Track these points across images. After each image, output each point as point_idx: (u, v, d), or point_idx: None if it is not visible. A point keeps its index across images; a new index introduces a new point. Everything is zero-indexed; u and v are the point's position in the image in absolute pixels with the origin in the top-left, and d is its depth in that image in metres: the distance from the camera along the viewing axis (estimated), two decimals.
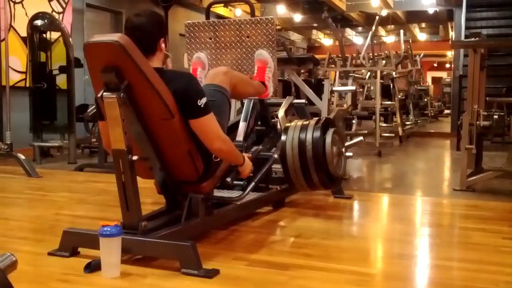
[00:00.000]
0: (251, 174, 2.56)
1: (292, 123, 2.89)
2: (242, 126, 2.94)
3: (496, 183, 4.14)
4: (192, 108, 2.12)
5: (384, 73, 7.92)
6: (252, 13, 3.13)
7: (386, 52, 9.01)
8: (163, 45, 2.21)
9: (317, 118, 2.90)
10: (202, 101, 2.13)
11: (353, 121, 6.72)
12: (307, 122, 2.85)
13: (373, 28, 9.04)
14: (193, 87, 2.15)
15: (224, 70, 2.64)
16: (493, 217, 3.06)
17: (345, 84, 7.19)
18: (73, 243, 2.15)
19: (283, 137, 2.82)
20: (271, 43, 2.98)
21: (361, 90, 8.09)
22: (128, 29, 2.16)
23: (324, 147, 2.73)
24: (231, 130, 2.86)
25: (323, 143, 2.74)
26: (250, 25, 2.99)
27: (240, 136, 2.84)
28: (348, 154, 2.96)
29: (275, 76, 3.01)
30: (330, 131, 2.80)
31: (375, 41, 9.98)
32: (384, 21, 14.70)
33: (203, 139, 2.18)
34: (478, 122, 3.85)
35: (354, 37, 20.83)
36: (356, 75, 7.54)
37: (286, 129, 2.85)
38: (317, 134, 2.75)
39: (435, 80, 22.59)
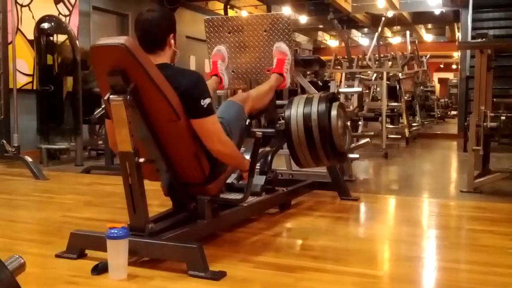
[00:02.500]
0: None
1: (296, 97, 2.89)
2: None
3: (503, 184, 4.11)
4: (195, 107, 2.12)
5: (390, 74, 7.90)
6: (268, 9, 3.27)
7: (392, 53, 8.99)
8: (172, 41, 2.24)
9: (321, 92, 2.90)
10: (206, 102, 2.14)
11: (360, 123, 6.70)
12: (312, 95, 2.84)
13: (379, 29, 9.02)
14: (199, 86, 2.16)
15: (242, 97, 2.70)
16: (501, 219, 3.04)
17: (351, 86, 7.17)
18: (80, 245, 2.16)
19: (287, 111, 2.80)
20: (288, 37, 3.05)
21: (367, 91, 8.07)
22: (139, 23, 2.19)
23: (330, 120, 2.71)
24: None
25: (329, 116, 2.72)
26: (267, 19, 3.06)
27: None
28: (354, 155, 2.96)
29: (292, 68, 3.08)
30: (335, 105, 2.78)
31: (381, 42, 9.96)
32: (390, 22, 14.67)
33: (204, 140, 2.18)
34: (485, 123, 3.83)
35: (360, 38, 20.79)
36: (362, 76, 7.51)
37: (290, 103, 2.83)
38: (323, 107, 2.73)
39: (442, 81, 22.51)
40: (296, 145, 2.76)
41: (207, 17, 3.25)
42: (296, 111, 2.78)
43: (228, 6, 3.52)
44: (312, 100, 2.81)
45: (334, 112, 2.74)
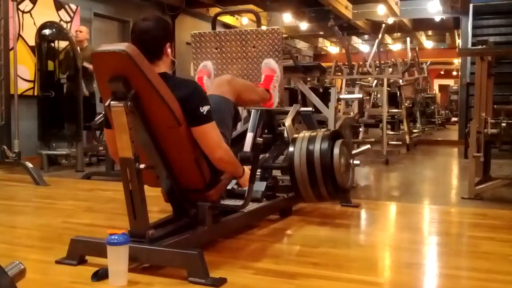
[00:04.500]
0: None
1: (300, 134, 2.90)
2: (249, 136, 2.95)
3: (504, 191, 4.11)
4: (195, 115, 2.12)
5: (391, 81, 7.91)
6: (258, 23, 3.15)
7: (392, 60, 9.00)
8: (169, 50, 2.23)
9: (324, 129, 2.91)
10: (205, 109, 2.14)
11: (360, 129, 6.70)
12: (315, 133, 2.85)
13: (380, 36, 9.03)
14: (197, 94, 2.16)
15: (228, 78, 2.65)
16: (502, 225, 3.04)
17: (352, 92, 7.18)
18: (80, 251, 2.16)
19: (291, 148, 2.82)
20: (277, 53, 2.99)
21: (367, 98, 8.08)
22: (135, 33, 2.18)
23: (332, 159, 2.73)
24: (239, 140, 2.86)
25: (331, 154, 2.74)
26: (256, 35, 3.01)
27: (247, 147, 2.85)
28: (355, 162, 2.96)
29: (281, 86, 3.03)
30: (338, 142, 2.80)
31: (381, 49, 9.97)
32: (390, 29, 14.68)
33: (204, 147, 2.18)
34: (486, 130, 3.83)
35: (361, 45, 20.81)
36: (362, 83, 7.53)
37: (294, 140, 2.85)
38: (325, 145, 2.75)
39: (442, 87, 22.52)
40: (299, 181, 2.78)
41: (194, 32, 3.18)
42: (299, 148, 2.79)
43: (228, 15, 3.49)
44: (316, 137, 2.82)
45: (336, 151, 2.75)
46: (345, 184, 2.84)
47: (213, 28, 3.29)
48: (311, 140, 2.80)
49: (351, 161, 2.92)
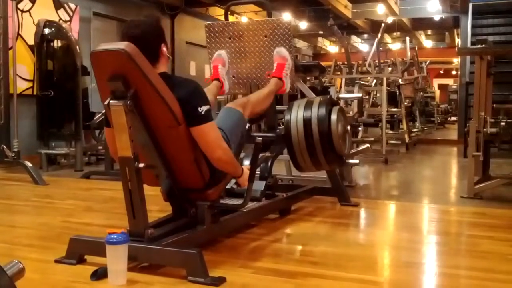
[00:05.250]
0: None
1: (296, 101, 2.90)
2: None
3: (503, 190, 4.11)
4: (193, 115, 2.12)
5: (390, 80, 7.91)
6: (269, 15, 3.24)
7: (392, 59, 9.01)
8: (164, 49, 2.22)
9: (321, 96, 2.91)
10: (203, 109, 2.13)
11: (359, 129, 6.70)
12: (312, 99, 2.84)
13: (379, 35, 9.03)
14: (197, 94, 2.16)
15: (242, 102, 2.69)
16: (501, 224, 3.04)
17: (351, 91, 7.18)
18: (79, 250, 2.16)
19: (287, 115, 2.81)
20: (288, 42, 3.06)
21: (367, 97, 8.08)
22: (127, 39, 2.07)
23: (330, 124, 2.71)
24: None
25: (329, 120, 2.72)
26: (267, 25, 3.07)
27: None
28: (354, 161, 2.96)
29: (292, 73, 3.08)
30: (335, 109, 2.79)
31: (381, 48, 9.98)
32: (390, 28, 14.70)
33: (204, 147, 2.17)
34: (485, 129, 3.83)
35: (360, 44, 20.83)
36: (362, 82, 7.53)
37: (290, 107, 2.83)
38: (323, 111, 2.73)
39: (442, 87, 22.53)
40: (296, 149, 2.76)
41: (208, 22, 3.26)
42: (296, 115, 2.79)
43: (229, 12, 3.52)
44: (312, 104, 2.82)
45: (334, 116, 2.74)
46: (343, 151, 2.82)
47: (226, 18, 3.39)
48: (308, 106, 2.78)
49: (348, 128, 2.91)
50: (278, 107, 3.40)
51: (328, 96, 2.99)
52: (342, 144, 2.80)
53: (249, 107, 2.66)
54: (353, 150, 3.07)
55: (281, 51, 3.05)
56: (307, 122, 2.74)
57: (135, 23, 2.18)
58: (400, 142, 7.74)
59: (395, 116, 8.50)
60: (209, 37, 3.22)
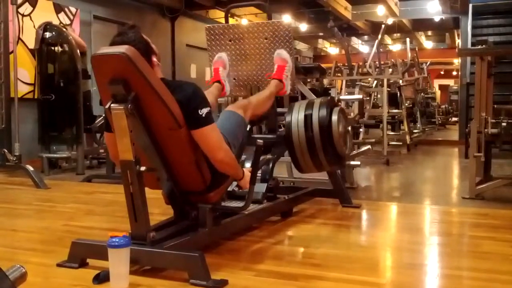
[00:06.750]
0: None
1: (297, 102, 2.91)
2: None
3: (505, 191, 4.11)
4: (194, 118, 2.12)
5: (391, 81, 7.91)
6: (269, 17, 3.26)
7: (392, 60, 9.00)
8: (155, 59, 2.20)
9: (322, 97, 2.92)
10: (204, 111, 2.13)
11: (361, 130, 6.70)
12: (313, 101, 2.85)
13: (379, 36, 9.04)
14: (196, 97, 2.15)
15: (242, 104, 2.69)
16: (503, 225, 3.04)
17: (352, 93, 7.18)
18: (81, 254, 2.16)
19: (288, 117, 2.81)
20: (289, 44, 3.06)
21: (368, 98, 8.08)
22: None
23: (331, 125, 2.72)
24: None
25: (330, 120, 2.73)
26: (268, 27, 3.08)
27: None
28: (355, 163, 2.96)
29: (293, 75, 3.09)
30: (336, 110, 2.79)
31: (381, 50, 9.98)
32: (390, 30, 14.70)
33: (206, 150, 2.17)
34: (486, 130, 3.83)
35: (360, 45, 20.82)
36: (362, 83, 7.53)
37: (291, 108, 2.84)
38: (323, 112, 2.74)
39: (442, 87, 22.52)
40: (297, 150, 2.77)
41: (208, 25, 3.27)
42: (297, 116, 2.79)
43: (229, 15, 3.53)
44: (313, 105, 2.82)
45: (335, 117, 2.75)
46: (344, 152, 2.82)
47: (226, 21, 3.40)
48: (309, 107, 2.79)
49: (349, 128, 2.92)
50: (278, 109, 3.40)
51: (329, 98, 2.99)
52: (343, 144, 2.81)
53: (249, 109, 2.66)
54: (354, 152, 3.07)
55: (282, 53, 3.06)
56: (308, 122, 2.74)
57: (120, 41, 2.09)
58: (401, 143, 7.74)
59: (396, 117, 8.49)
60: (210, 40, 3.22)
